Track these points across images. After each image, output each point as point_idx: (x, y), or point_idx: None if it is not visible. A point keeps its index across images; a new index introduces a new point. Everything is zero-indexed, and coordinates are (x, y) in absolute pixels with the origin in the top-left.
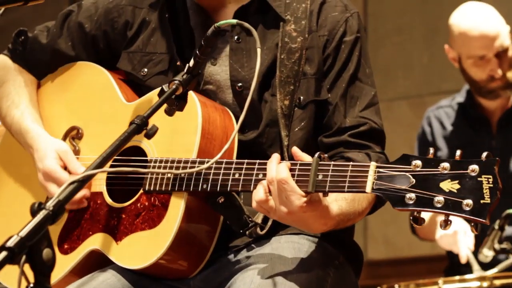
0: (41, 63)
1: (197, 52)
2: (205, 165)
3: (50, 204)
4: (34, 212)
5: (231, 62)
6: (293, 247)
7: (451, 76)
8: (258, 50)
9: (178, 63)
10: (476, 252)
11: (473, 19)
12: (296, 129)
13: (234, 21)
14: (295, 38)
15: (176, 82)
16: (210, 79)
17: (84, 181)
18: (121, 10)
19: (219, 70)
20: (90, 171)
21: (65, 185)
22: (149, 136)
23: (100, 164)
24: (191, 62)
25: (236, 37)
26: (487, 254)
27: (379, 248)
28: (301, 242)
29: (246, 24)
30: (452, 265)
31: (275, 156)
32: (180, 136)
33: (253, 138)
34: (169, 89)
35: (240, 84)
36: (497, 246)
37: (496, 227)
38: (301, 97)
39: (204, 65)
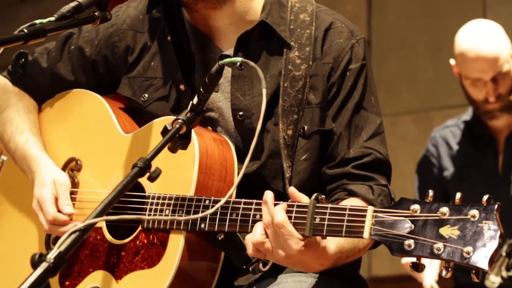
0: (41, 87)
1: (201, 89)
2: (209, 211)
3: (51, 256)
4: (34, 264)
5: (233, 90)
6: (300, 286)
7: (457, 90)
8: (264, 91)
9: (182, 87)
10: (483, 279)
11: (473, 41)
12: (300, 159)
13: (239, 59)
14: (299, 65)
15: (179, 121)
16: (212, 105)
17: (86, 230)
18: (122, 34)
19: (221, 97)
20: (92, 220)
21: (66, 235)
22: (152, 179)
23: (102, 211)
24: (195, 100)
25: (238, 63)
26: (494, 280)
27: (384, 264)
28: (307, 281)
29: (252, 63)
30: (457, 285)
31: (270, 197)
32: (178, 171)
33: (255, 170)
34: (173, 128)
35: (241, 113)
36: (504, 273)
37: (504, 253)
38: (305, 127)
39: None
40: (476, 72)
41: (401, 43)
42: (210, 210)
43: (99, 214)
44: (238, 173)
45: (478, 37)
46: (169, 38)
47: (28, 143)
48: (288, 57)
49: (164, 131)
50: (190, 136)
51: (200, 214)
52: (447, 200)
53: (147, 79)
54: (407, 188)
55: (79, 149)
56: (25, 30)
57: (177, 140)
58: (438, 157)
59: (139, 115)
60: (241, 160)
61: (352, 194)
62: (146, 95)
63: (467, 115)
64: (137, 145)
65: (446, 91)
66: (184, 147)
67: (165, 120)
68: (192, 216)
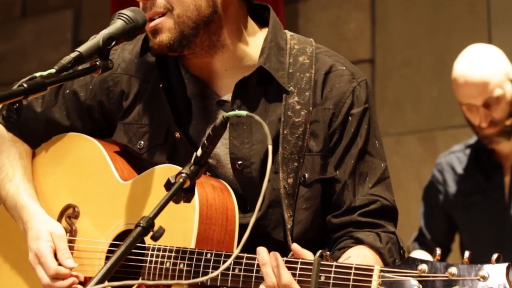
0: (36, 133)
1: (205, 141)
2: (215, 273)
3: None
4: None
5: (231, 138)
6: None
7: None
8: (270, 147)
9: (177, 135)
10: None
11: (464, 66)
12: (301, 208)
13: (244, 113)
14: (298, 111)
15: (183, 175)
16: None
17: None
18: (116, 79)
19: (219, 144)
20: (95, 287)
21: None
22: (155, 238)
23: (104, 276)
24: (199, 152)
25: (236, 110)
26: None
27: None
28: None
29: (257, 117)
30: None
31: (266, 257)
32: (178, 222)
33: (256, 220)
34: (177, 183)
35: (240, 162)
36: None
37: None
38: (306, 175)
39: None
40: (465, 98)
41: (405, 61)
42: (212, 274)
43: (101, 280)
44: (239, 222)
45: (468, 63)
46: (161, 85)
47: (18, 191)
48: (287, 102)
49: (167, 185)
50: (194, 189)
51: (202, 278)
52: (453, 229)
53: (143, 126)
54: (411, 208)
55: (76, 195)
56: (25, 85)
57: (180, 194)
58: (443, 183)
59: (137, 159)
60: (240, 208)
61: (359, 242)
62: (142, 143)
63: (473, 140)
64: (137, 193)
65: (451, 111)
66: (188, 200)
67: (165, 169)
68: (194, 280)
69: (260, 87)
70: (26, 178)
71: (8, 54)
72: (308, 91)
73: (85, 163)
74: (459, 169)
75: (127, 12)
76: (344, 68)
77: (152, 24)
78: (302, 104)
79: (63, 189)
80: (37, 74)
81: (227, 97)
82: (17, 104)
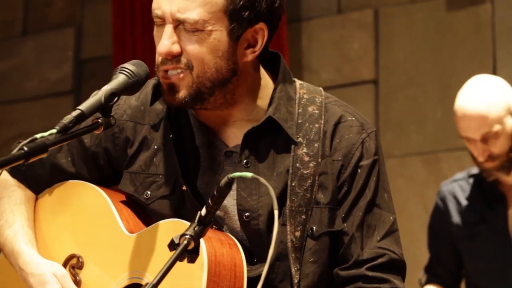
0: (41, 179)
1: (209, 201)
2: None
3: None
4: None
5: (239, 189)
6: None
7: None
8: (276, 212)
9: (184, 188)
10: None
11: (464, 99)
12: (309, 261)
13: (250, 174)
14: (307, 163)
15: (187, 237)
16: None
17: None
18: (122, 125)
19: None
20: None
21: None
22: None
23: None
24: (203, 211)
25: (244, 161)
26: None
27: None
28: None
29: (263, 180)
30: None
31: None
32: (185, 279)
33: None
34: (181, 245)
35: (247, 214)
36: None
37: None
38: (314, 227)
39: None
40: (464, 131)
41: (409, 82)
42: None
43: None
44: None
45: (468, 95)
46: (171, 136)
47: (16, 237)
48: (296, 154)
49: (171, 245)
50: (198, 250)
51: None
52: (459, 261)
53: (149, 176)
54: (415, 231)
55: (80, 245)
56: (25, 148)
57: (185, 255)
58: (446, 213)
59: (143, 209)
60: (247, 259)
61: None
62: (149, 193)
63: (476, 169)
64: (142, 247)
65: (455, 133)
66: (193, 261)
67: (172, 224)
68: None
69: (268, 137)
70: (26, 225)
71: (9, 72)
72: (317, 142)
73: (90, 212)
74: (462, 199)
75: (129, 66)
76: (353, 119)
77: (170, 80)
78: (311, 156)
79: (67, 238)
80: (38, 136)
81: (236, 147)
82: None
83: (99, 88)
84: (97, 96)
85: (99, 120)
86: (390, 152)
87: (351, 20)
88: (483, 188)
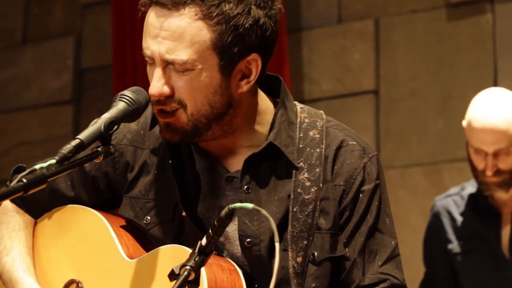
0: (40, 203)
1: (210, 231)
2: None
3: None
4: None
5: (240, 215)
6: None
7: None
8: (277, 245)
9: (184, 214)
10: None
11: (482, 110)
12: (310, 287)
13: (251, 205)
14: (308, 188)
15: (187, 268)
16: None
17: None
18: (122, 149)
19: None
20: None
21: None
22: None
23: None
24: (203, 241)
25: (245, 187)
26: None
27: None
28: None
29: (264, 212)
30: None
31: None
32: None
33: None
34: (181, 276)
35: (249, 239)
36: None
37: None
38: (315, 253)
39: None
40: (478, 143)
41: (410, 93)
42: None
43: None
44: None
45: (489, 107)
46: (170, 161)
47: (15, 265)
48: (297, 179)
49: (171, 275)
50: (199, 281)
51: None
52: (455, 276)
53: (149, 201)
54: (417, 242)
55: (79, 270)
56: (24, 180)
57: (185, 285)
58: (441, 228)
59: (142, 234)
60: (249, 286)
61: None
62: (149, 218)
63: (471, 185)
64: (142, 273)
65: (457, 144)
66: None
67: (172, 250)
68: None
69: (270, 162)
70: (24, 251)
71: (8, 81)
72: (318, 167)
73: (89, 237)
74: (456, 214)
75: (129, 93)
76: (355, 143)
77: (166, 119)
78: (312, 181)
79: (66, 263)
80: (37, 166)
81: (237, 172)
82: None
83: (99, 97)
84: (97, 124)
85: (99, 149)
86: (390, 163)
87: (351, 30)
88: (478, 204)
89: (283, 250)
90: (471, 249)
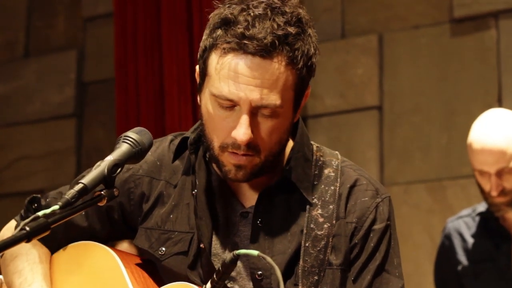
0: (54, 234)
1: (214, 276)
2: None
3: None
4: None
5: (252, 248)
6: None
7: None
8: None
9: (202, 245)
10: None
11: (481, 131)
12: None
13: (256, 252)
14: (321, 224)
15: None
16: None
17: None
18: (138, 180)
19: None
20: None
21: None
22: None
23: None
24: (208, 285)
25: (259, 220)
26: None
27: None
28: None
29: (269, 259)
30: None
31: None
32: None
33: None
34: None
35: (260, 272)
36: None
37: None
38: None
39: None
40: (480, 164)
41: (414, 109)
42: None
43: None
44: None
45: (487, 128)
46: (194, 192)
47: None
48: (310, 215)
49: None
50: None
51: None
52: None
53: (165, 232)
54: (420, 259)
55: None
56: (27, 228)
57: None
58: (452, 250)
59: (154, 271)
60: None
61: None
62: (164, 249)
63: (482, 206)
64: None
65: (461, 160)
66: None
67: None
68: None
69: (284, 196)
70: (45, 284)
71: (11, 95)
72: (332, 204)
73: (101, 274)
74: (468, 236)
75: (132, 135)
76: (369, 183)
77: (240, 162)
78: (326, 217)
79: None
80: (41, 213)
81: (251, 208)
82: (36, 205)
83: (101, 110)
84: (100, 168)
85: (102, 192)
86: (394, 179)
87: (355, 45)
88: (489, 225)
89: (294, 284)
90: (481, 271)
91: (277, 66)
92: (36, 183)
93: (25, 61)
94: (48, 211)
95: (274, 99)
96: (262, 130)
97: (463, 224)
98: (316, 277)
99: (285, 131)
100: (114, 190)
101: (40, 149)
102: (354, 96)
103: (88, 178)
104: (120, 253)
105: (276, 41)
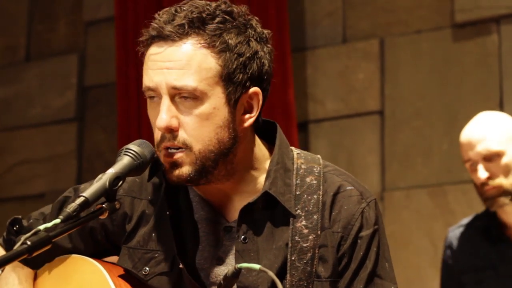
0: (37, 256)
1: None
2: None
3: None
4: None
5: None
6: None
7: None
8: None
9: (181, 266)
10: None
11: (468, 126)
12: None
13: (257, 266)
14: (306, 236)
15: None
16: (216, 279)
17: None
18: (119, 201)
19: (225, 270)
20: None
21: None
22: None
23: None
24: None
25: (242, 237)
26: None
27: None
28: None
29: (271, 273)
30: None
31: None
32: None
33: None
34: None
35: None
36: None
37: None
38: None
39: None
40: (465, 153)
41: (415, 113)
42: None
43: None
44: None
45: (473, 123)
46: (168, 212)
47: None
48: (294, 227)
49: None
50: None
51: None
52: None
53: (148, 252)
54: (421, 263)
55: None
56: (28, 242)
57: None
58: (454, 259)
59: (141, 284)
60: None
61: None
62: (147, 269)
63: (483, 214)
64: None
65: (461, 165)
66: None
67: None
68: None
69: (266, 211)
70: None
71: (12, 99)
72: (316, 214)
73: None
74: (469, 244)
75: (134, 147)
76: (352, 188)
77: (173, 158)
78: (310, 228)
79: None
80: (42, 227)
81: (234, 222)
82: (17, 226)
83: (103, 115)
84: (102, 181)
85: (104, 205)
86: (395, 184)
87: (356, 50)
88: (490, 233)
89: None
90: (484, 279)
91: (191, 48)
92: (37, 187)
93: (26, 65)
94: (49, 225)
95: (189, 81)
96: (188, 120)
97: (464, 233)
98: None
99: (221, 126)
100: (116, 203)
101: (41, 153)
102: (355, 101)
103: (89, 191)
104: (107, 265)
105: (189, 23)
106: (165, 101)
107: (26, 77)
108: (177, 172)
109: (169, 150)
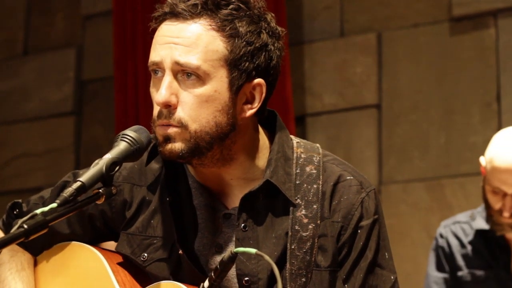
0: (37, 242)
1: (212, 274)
2: None
3: None
4: None
5: (238, 254)
6: None
7: (469, 158)
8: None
9: (180, 252)
10: None
11: (505, 150)
12: None
13: (254, 250)
14: (306, 225)
15: None
16: (214, 266)
17: None
18: (118, 187)
19: None
20: None
21: None
22: None
23: None
24: (206, 284)
25: (242, 225)
26: None
27: None
28: None
29: (267, 257)
30: None
31: None
32: None
33: None
34: None
35: (247, 278)
36: None
37: None
38: None
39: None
40: (499, 182)
41: (412, 107)
42: None
43: None
44: None
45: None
46: (168, 198)
47: None
48: (294, 216)
49: None
50: None
51: None
52: None
53: (147, 238)
54: (419, 257)
55: None
56: (25, 226)
57: None
58: (451, 255)
59: (139, 270)
60: None
61: None
62: (146, 255)
63: (480, 215)
64: None
65: (459, 159)
66: None
67: (171, 286)
68: None
69: (267, 200)
70: None
71: (9, 93)
72: (316, 203)
73: (87, 274)
74: (465, 242)
75: (131, 133)
76: (352, 178)
77: (167, 132)
78: (310, 218)
79: None
80: (38, 211)
81: (234, 209)
82: (17, 210)
83: (100, 109)
84: (98, 166)
85: (100, 190)
86: (393, 178)
87: (354, 44)
88: (488, 236)
89: None
90: (481, 279)
91: (201, 28)
92: (35, 180)
93: (24, 59)
94: (46, 209)
95: (193, 59)
96: (187, 99)
97: (461, 230)
98: (303, 279)
99: (220, 110)
100: (112, 188)
101: (39, 146)
102: (352, 95)
103: (86, 176)
104: (105, 252)
105: (203, 4)
106: (167, 77)
107: (24, 71)
108: (169, 146)
109: (164, 125)
